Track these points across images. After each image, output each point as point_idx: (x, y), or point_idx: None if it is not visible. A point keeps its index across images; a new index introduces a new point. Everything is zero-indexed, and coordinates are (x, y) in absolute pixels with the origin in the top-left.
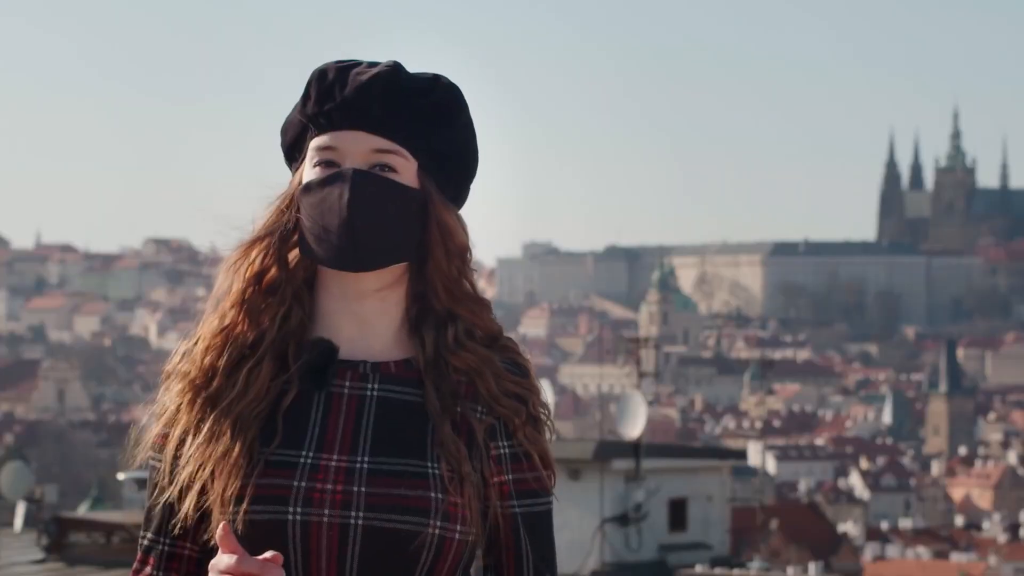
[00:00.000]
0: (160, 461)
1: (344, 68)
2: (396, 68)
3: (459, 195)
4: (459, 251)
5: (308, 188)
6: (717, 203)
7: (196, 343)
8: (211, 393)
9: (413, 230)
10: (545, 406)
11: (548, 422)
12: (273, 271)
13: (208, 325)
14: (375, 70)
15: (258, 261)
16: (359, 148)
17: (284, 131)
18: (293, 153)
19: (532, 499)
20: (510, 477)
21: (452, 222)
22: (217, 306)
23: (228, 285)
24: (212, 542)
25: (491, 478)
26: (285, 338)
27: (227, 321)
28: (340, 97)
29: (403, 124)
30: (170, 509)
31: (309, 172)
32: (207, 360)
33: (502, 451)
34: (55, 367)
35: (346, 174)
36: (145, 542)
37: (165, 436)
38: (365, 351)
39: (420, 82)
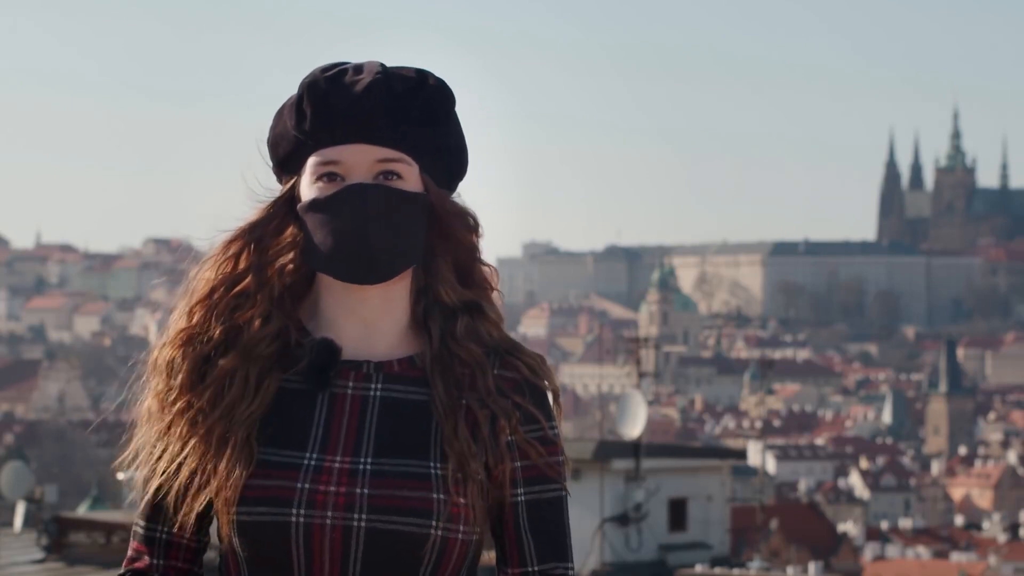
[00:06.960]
0: (152, 455)
1: (333, 78)
2: (386, 74)
3: (454, 184)
4: (471, 234)
5: (315, 205)
6: (717, 203)
7: (164, 342)
8: (193, 393)
9: (422, 233)
10: (554, 381)
11: (556, 404)
12: (248, 278)
13: (177, 323)
14: (367, 79)
15: (230, 263)
16: (364, 160)
17: (274, 144)
18: (287, 166)
19: (540, 486)
20: (518, 464)
21: (458, 210)
22: (189, 300)
23: (201, 279)
24: (207, 532)
25: (499, 464)
26: (270, 341)
27: (194, 320)
28: (339, 112)
29: (404, 131)
30: (165, 500)
31: (311, 187)
32: (177, 359)
33: (511, 437)
34: (55, 367)
35: (356, 190)
36: (140, 530)
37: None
38: (369, 351)
39: (409, 82)
